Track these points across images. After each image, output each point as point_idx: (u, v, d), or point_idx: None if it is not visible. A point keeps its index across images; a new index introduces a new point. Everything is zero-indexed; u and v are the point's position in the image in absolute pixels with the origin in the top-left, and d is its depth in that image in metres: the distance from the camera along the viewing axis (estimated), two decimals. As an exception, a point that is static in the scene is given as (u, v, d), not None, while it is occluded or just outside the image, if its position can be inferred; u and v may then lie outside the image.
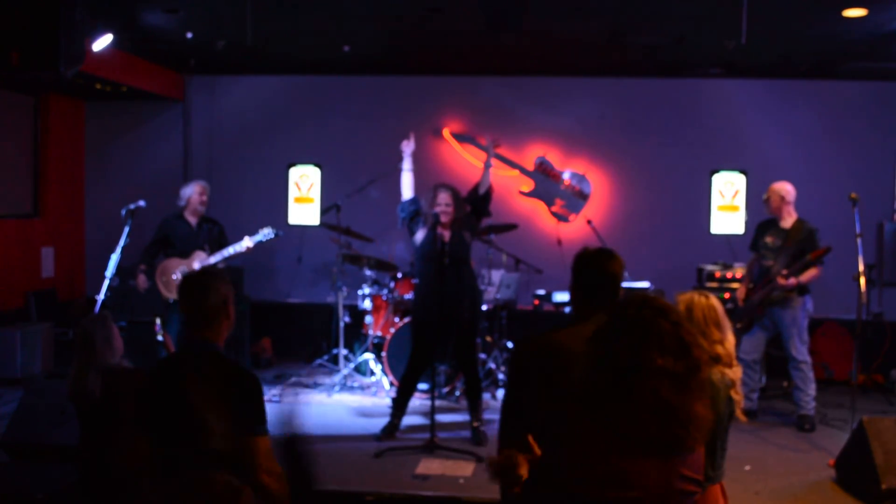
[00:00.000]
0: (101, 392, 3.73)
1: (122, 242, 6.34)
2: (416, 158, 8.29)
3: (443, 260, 5.75)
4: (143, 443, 2.88)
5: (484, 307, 7.21)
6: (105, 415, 3.77)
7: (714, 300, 3.08)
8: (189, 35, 6.94)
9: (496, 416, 6.72)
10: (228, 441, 2.64)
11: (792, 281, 6.08)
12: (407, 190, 6.20)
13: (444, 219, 5.91)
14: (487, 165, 6.26)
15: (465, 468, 5.25)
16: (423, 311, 6.05)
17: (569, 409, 2.08)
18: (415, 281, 6.17)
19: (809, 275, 6.12)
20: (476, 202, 6.19)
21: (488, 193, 6.21)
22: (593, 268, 2.93)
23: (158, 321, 4.40)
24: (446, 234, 5.93)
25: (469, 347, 6.03)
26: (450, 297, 5.78)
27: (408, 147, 6.29)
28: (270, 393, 7.11)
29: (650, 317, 1.99)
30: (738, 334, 6.53)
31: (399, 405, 6.05)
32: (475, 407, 5.95)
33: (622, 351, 1.96)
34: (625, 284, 6.83)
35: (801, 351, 6.22)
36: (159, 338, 4.23)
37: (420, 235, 6.05)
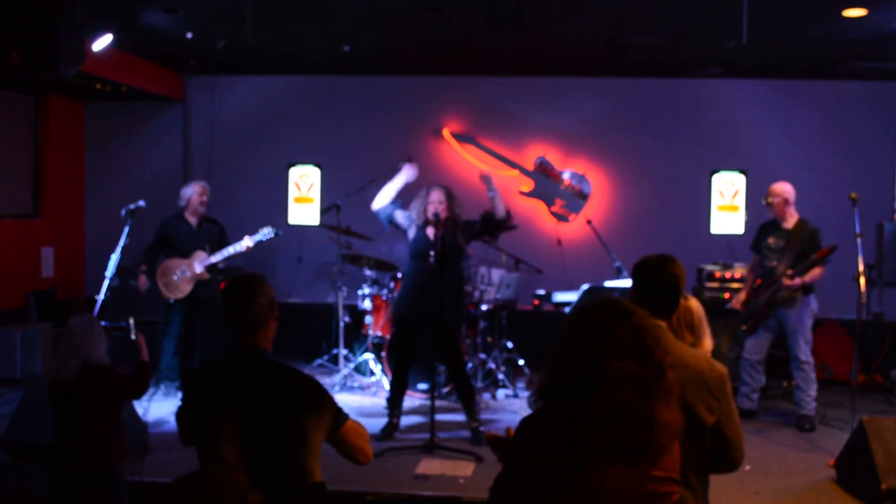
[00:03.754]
0: (77, 382, 3.78)
1: (122, 242, 6.34)
2: (416, 158, 8.33)
3: (427, 259, 5.76)
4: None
5: (484, 307, 7.22)
6: (77, 405, 3.81)
7: (693, 303, 3.05)
8: (189, 35, 6.94)
9: (496, 416, 6.77)
10: (276, 452, 2.61)
11: (797, 281, 6.09)
12: (384, 199, 6.05)
13: (433, 216, 5.86)
14: (493, 194, 6.10)
15: (465, 468, 5.25)
16: (402, 309, 6.04)
17: (532, 421, 2.06)
18: (398, 275, 6.14)
19: (813, 274, 6.13)
20: (496, 225, 6.10)
21: (508, 215, 6.13)
22: (652, 274, 2.81)
23: (132, 321, 4.40)
24: (435, 234, 5.89)
25: (451, 349, 5.96)
26: (429, 298, 5.73)
27: (410, 173, 6.18)
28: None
29: (608, 321, 1.95)
30: (744, 336, 6.54)
31: (393, 404, 6.05)
32: (469, 408, 5.94)
33: (580, 357, 1.93)
34: (626, 285, 6.83)
35: (804, 351, 6.23)
36: (132, 336, 4.25)
37: (412, 233, 6.04)
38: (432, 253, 5.73)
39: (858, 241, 5.88)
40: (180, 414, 2.85)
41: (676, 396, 1.97)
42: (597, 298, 2.10)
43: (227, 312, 2.80)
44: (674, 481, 1.99)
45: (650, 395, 1.90)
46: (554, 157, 8.69)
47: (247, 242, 6.75)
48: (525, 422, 2.08)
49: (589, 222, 7.77)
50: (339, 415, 2.77)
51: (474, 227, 6.08)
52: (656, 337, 1.97)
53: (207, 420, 2.68)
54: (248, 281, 2.86)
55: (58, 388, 3.85)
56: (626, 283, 6.77)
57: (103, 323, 4.19)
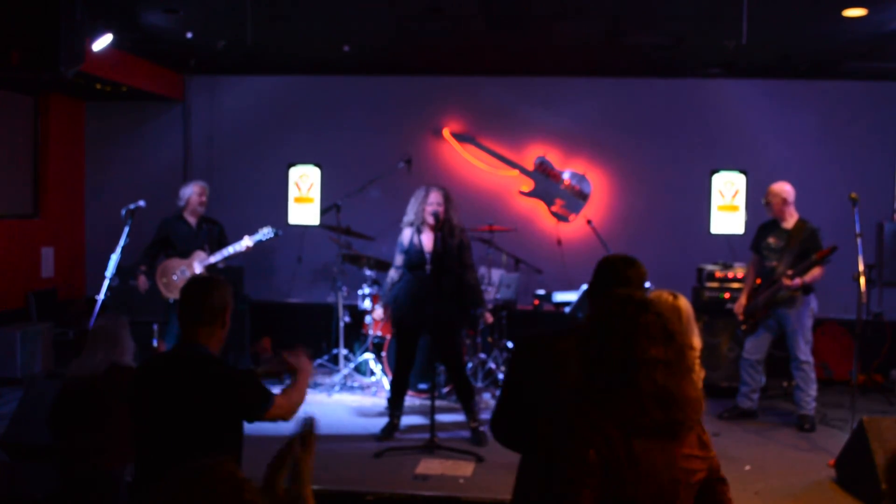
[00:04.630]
0: (100, 381, 3.79)
1: (122, 242, 6.34)
2: (417, 158, 8.36)
3: (423, 268, 5.76)
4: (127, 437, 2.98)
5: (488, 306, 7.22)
6: (94, 405, 3.83)
7: (682, 301, 3.11)
8: (189, 35, 6.94)
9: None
10: (210, 447, 2.67)
11: (797, 281, 6.09)
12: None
13: (431, 219, 5.83)
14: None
15: (465, 468, 5.25)
16: (399, 313, 6.03)
17: (569, 408, 2.14)
18: (393, 274, 6.10)
19: (813, 274, 6.13)
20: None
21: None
22: (610, 274, 2.86)
23: (156, 327, 4.42)
24: (430, 241, 5.87)
25: (449, 350, 5.96)
26: (424, 306, 5.73)
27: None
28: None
29: (634, 312, 2.10)
30: (743, 336, 6.54)
31: (394, 405, 6.05)
32: (469, 408, 5.94)
33: (615, 346, 2.07)
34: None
35: (804, 351, 6.23)
36: (154, 341, 4.27)
37: (406, 235, 6.01)
38: (428, 268, 5.73)
39: (858, 241, 5.88)
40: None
41: (695, 375, 2.16)
42: (613, 294, 2.25)
43: (180, 305, 2.97)
44: (700, 458, 2.13)
45: (678, 375, 2.06)
46: (554, 157, 8.69)
47: (246, 242, 6.75)
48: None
49: (589, 222, 7.77)
50: (265, 399, 2.90)
51: (465, 236, 6.00)
52: (673, 322, 2.14)
53: (139, 411, 2.88)
54: (207, 280, 3.05)
55: (77, 385, 3.85)
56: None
57: None
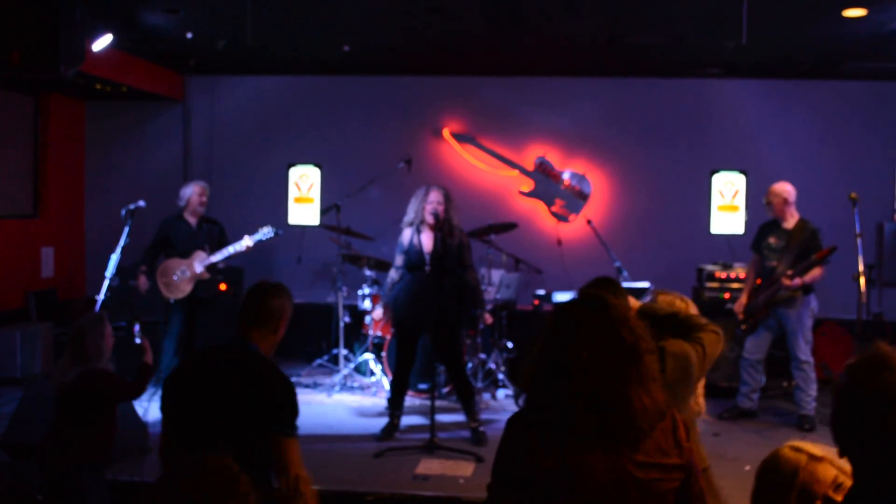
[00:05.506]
0: (77, 385, 3.82)
1: (122, 242, 6.34)
2: (417, 158, 8.35)
3: (423, 269, 5.76)
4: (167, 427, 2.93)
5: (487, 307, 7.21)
6: (74, 407, 3.87)
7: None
8: (189, 35, 6.94)
9: (496, 416, 6.77)
10: (239, 439, 2.66)
11: (797, 281, 6.09)
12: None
13: (430, 219, 5.83)
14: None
15: (465, 468, 5.25)
16: (399, 314, 6.03)
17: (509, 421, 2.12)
18: (393, 275, 6.10)
19: (813, 275, 6.13)
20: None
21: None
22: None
23: (138, 326, 4.44)
24: (429, 241, 5.87)
25: (450, 350, 5.96)
26: (427, 303, 5.73)
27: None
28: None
29: (582, 313, 2.04)
30: (743, 336, 6.54)
31: (394, 405, 6.04)
32: (469, 408, 5.94)
33: (555, 347, 2.01)
34: (625, 285, 6.84)
35: (804, 351, 6.23)
36: (137, 340, 4.29)
37: (406, 236, 6.01)
38: (427, 268, 5.73)
39: (858, 241, 5.88)
40: (163, 410, 2.95)
41: (658, 381, 2.04)
42: (579, 294, 2.21)
43: (242, 304, 3.01)
44: (663, 466, 2.00)
45: (622, 379, 1.95)
46: (554, 157, 8.69)
47: (247, 242, 6.75)
48: (511, 422, 2.11)
49: (589, 222, 7.77)
50: (289, 426, 2.80)
51: (464, 238, 6.01)
52: (632, 327, 2.03)
53: (184, 400, 2.85)
54: (273, 284, 3.07)
55: (59, 390, 3.90)
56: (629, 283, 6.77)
57: None
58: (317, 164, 8.95)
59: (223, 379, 2.82)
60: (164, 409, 2.92)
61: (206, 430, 2.75)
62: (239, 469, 1.67)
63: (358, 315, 7.80)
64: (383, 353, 7.14)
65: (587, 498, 1.93)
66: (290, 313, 3.04)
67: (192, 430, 2.78)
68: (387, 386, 7.13)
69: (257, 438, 2.75)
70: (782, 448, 2.05)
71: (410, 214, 5.98)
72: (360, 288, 7.60)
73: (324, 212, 8.40)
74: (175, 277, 6.77)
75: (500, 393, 7.22)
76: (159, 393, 7.06)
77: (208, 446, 2.60)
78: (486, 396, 7.12)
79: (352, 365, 7.53)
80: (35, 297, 8.30)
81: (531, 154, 8.70)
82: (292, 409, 2.83)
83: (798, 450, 2.02)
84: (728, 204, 8.55)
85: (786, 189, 6.38)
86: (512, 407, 6.78)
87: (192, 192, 6.93)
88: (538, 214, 8.75)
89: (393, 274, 6.07)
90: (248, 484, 1.65)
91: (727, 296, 7.21)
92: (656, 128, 8.56)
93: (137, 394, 4.18)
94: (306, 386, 7.45)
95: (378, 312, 6.41)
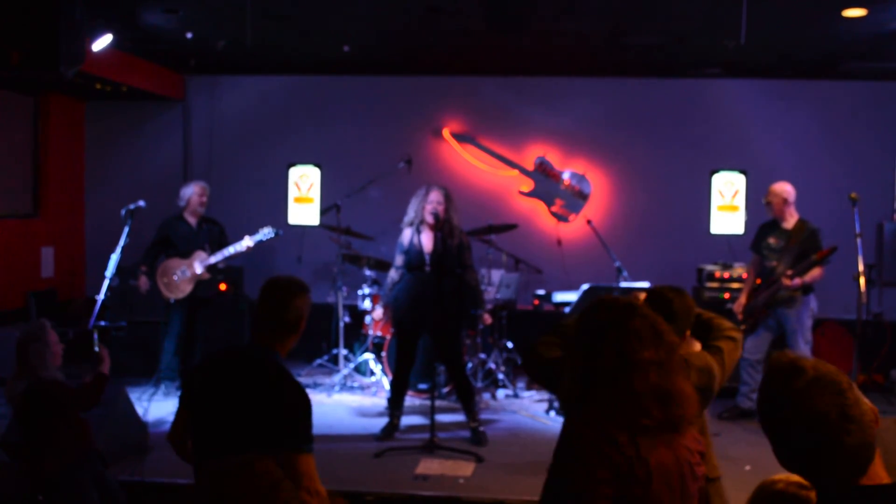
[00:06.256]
0: (26, 401, 3.85)
1: (122, 242, 6.34)
2: (417, 158, 8.35)
3: (423, 269, 5.75)
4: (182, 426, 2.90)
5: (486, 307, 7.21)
6: (31, 422, 3.90)
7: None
8: (189, 35, 6.94)
9: (496, 416, 6.76)
10: (258, 450, 2.61)
11: (797, 281, 6.09)
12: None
13: (430, 218, 5.82)
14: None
15: (465, 468, 5.25)
16: (399, 314, 6.03)
17: (571, 419, 2.18)
18: (394, 275, 6.10)
19: (813, 275, 6.13)
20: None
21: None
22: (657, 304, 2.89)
23: (96, 335, 4.43)
24: (429, 241, 5.87)
25: (450, 350, 5.96)
26: (427, 304, 5.73)
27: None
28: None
29: (622, 317, 2.15)
30: (744, 335, 6.53)
31: (394, 405, 6.04)
32: (469, 408, 5.94)
33: (607, 350, 2.11)
34: (625, 285, 6.82)
35: (804, 351, 6.23)
36: (96, 348, 4.28)
37: (406, 236, 6.01)
38: (427, 268, 5.73)
39: (858, 241, 5.89)
40: (181, 400, 2.92)
41: (687, 371, 2.22)
42: (598, 299, 2.26)
43: (262, 306, 2.88)
44: (699, 452, 2.16)
45: (672, 372, 2.12)
46: (554, 157, 8.69)
47: (247, 242, 6.75)
48: (572, 429, 2.13)
49: (589, 222, 7.77)
50: (305, 441, 2.71)
51: (465, 239, 6.00)
52: (661, 322, 2.19)
53: (202, 404, 2.80)
54: (293, 283, 2.94)
55: (11, 404, 3.98)
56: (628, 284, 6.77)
57: (103, 323, 4.23)
58: (317, 164, 8.96)
59: (245, 388, 2.76)
60: (183, 401, 2.90)
61: (220, 435, 2.70)
62: (282, 475, 1.68)
63: (358, 315, 7.80)
64: (383, 353, 7.14)
65: (662, 486, 2.04)
66: (309, 309, 2.94)
67: (207, 433, 2.75)
68: (387, 386, 7.13)
69: (270, 451, 2.65)
70: (776, 484, 2.08)
71: (411, 214, 5.98)
72: (360, 288, 7.60)
73: (324, 212, 8.40)
74: (175, 277, 6.78)
75: (500, 393, 7.23)
76: (162, 391, 7.08)
77: (222, 449, 2.63)
78: (486, 396, 7.12)
79: (352, 365, 7.53)
80: (35, 297, 8.30)
81: (531, 154, 8.70)
82: (309, 424, 2.75)
83: (799, 485, 2.04)
84: (728, 204, 8.55)
85: (786, 189, 6.38)
86: (511, 407, 6.81)
87: (192, 192, 6.93)
88: (538, 214, 8.75)
89: (393, 274, 6.07)
90: (290, 490, 1.66)
91: (727, 296, 7.21)
92: (656, 128, 8.56)
93: (90, 403, 4.13)
94: (306, 386, 7.43)
95: (378, 312, 6.42)
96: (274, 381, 2.78)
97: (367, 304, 7.48)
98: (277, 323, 2.86)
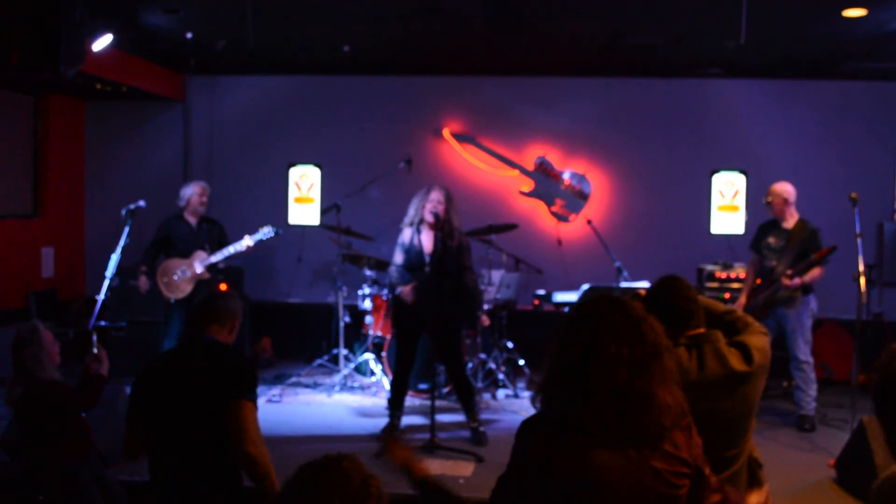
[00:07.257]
0: (26, 404, 3.85)
1: (122, 242, 6.34)
2: (417, 158, 8.35)
3: (422, 270, 5.75)
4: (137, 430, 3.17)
5: (484, 307, 7.21)
6: (26, 425, 3.87)
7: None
8: (189, 35, 6.94)
9: (496, 416, 6.76)
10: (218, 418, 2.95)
11: (796, 281, 6.09)
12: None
13: (430, 217, 5.82)
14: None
15: (465, 468, 5.25)
16: (398, 314, 6.04)
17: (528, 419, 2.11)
18: (393, 271, 6.08)
19: (813, 274, 6.13)
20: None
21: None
22: (664, 294, 2.92)
23: (95, 336, 4.45)
24: (429, 241, 5.87)
25: (450, 351, 5.95)
26: (425, 307, 5.74)
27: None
28: (270, 393, 7.12)
29: (602, 310, 2.02)
30: None
31: (394, 405, 6.04)
32: (469, 408, 5.94)
33: (575, 344, 1.99)
34: (625, 285, 6.82)
35: (803, 351, 6.23)
36: (94, 350, 4.29)
37: (406, 235, 6.01)
38: (427, 269, 5.73)
39: (858, 241, 5.88)
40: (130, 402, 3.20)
41: (677, 380, 2.03)
42: (593, 294, 2.17)
43: (195, 308, 3.40)
44: (681, 474, 1.98)
45: (647, 375, 1.93)
46: (554, 157, 8.69)
47: (247, 242, 6.75)
48: (526, 425, 2.08)
49: (589, 222, 7.77)
50: (248, 390, 3.04)
51: (464, 240, 6.00)
52: (652, 325, 2.01)
53: (150, 402, 3.12)
54: (228, 293, 3.53)
55: (10, 407, 3.96)
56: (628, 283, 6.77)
57: (103, 323, 4.24)
58: (317, 164, 8.96)
59: (185, 366, 3.09)
60: (132, 408, 3.16)
61: (179, 418, 2.99)
62: (370, 472, 1.69)
63: (358, 315, 7.81)
64: (383, 353, 7.14)
65: (607, 500, 1.90)
66: (239, 319, 3.34)
67: (166, 422, 3.02)
68: (387, 386, 7.13)
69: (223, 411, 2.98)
70: None
71: (411, 213, 5.99)
72: (360, 288, 7.60)
73: (324, 212, 8.40)
74: (175, 277, 6.77)
75: (501, 393, 7.22)
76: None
77: (192, 440, 2.89)
78: (486, 396, 7.12)
79: (352, 365, 7.54)
80: (35, 297, 8.30)
81: (531, 154, 8.70)
82: (251, 377, 3.07)
83: None
84: (728, 204, 8.55)
85: (786, 189, 6.38)
86: (512, 407, 6.81)
87: (192, 192, 6.93)
88: (538, 214, 8.75)
89: (393, 271, 6.07)
90: (378, 485, 1.66)
91: (727, 296, 7.21)
92: (656, 128, 8.56)
93: (88, 405, 4.15)
94: (306, 386, 7.45)
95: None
96: (207, 348, 3.15)
97: (367, 304, 7.48)
98: (207, 316, 3.27)
